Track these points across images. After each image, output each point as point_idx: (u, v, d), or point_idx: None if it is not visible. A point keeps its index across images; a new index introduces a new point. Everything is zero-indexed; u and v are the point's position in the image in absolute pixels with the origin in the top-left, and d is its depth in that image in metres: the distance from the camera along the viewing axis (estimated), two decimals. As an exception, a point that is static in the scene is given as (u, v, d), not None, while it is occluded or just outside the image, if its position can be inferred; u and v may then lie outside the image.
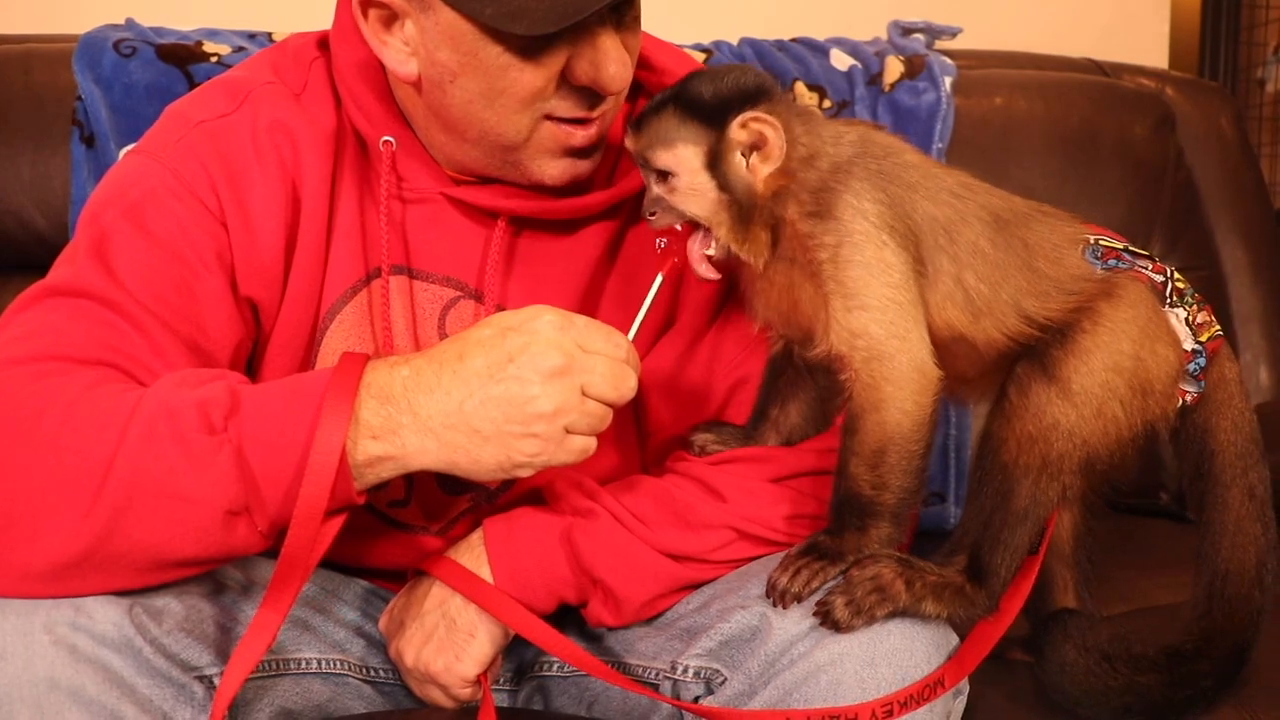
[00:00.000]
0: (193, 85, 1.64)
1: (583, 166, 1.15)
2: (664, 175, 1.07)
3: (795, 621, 1.04)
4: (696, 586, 1.14)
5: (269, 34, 1.79)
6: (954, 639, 1.08)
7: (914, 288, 1.06)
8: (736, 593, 1.10)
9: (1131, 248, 1.15)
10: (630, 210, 1.21)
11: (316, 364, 1.17)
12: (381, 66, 1.14)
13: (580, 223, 1.20)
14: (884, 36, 1.95)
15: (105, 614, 0.97)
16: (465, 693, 1.13)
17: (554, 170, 1.14)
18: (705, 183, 1.06)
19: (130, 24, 1.74)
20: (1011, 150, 1.88)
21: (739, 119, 1.05)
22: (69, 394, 0.99)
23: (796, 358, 1.17)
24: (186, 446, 0.96)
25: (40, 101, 1.74)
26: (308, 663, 1.16)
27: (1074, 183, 1.88)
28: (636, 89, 1.23)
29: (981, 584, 1.09)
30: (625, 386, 1.02)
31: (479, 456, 1.01)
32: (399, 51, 1.10)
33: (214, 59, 1.70)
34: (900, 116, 1.81)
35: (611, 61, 1.07)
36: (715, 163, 1.06)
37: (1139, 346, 1.10)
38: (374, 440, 0.99)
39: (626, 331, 1.06)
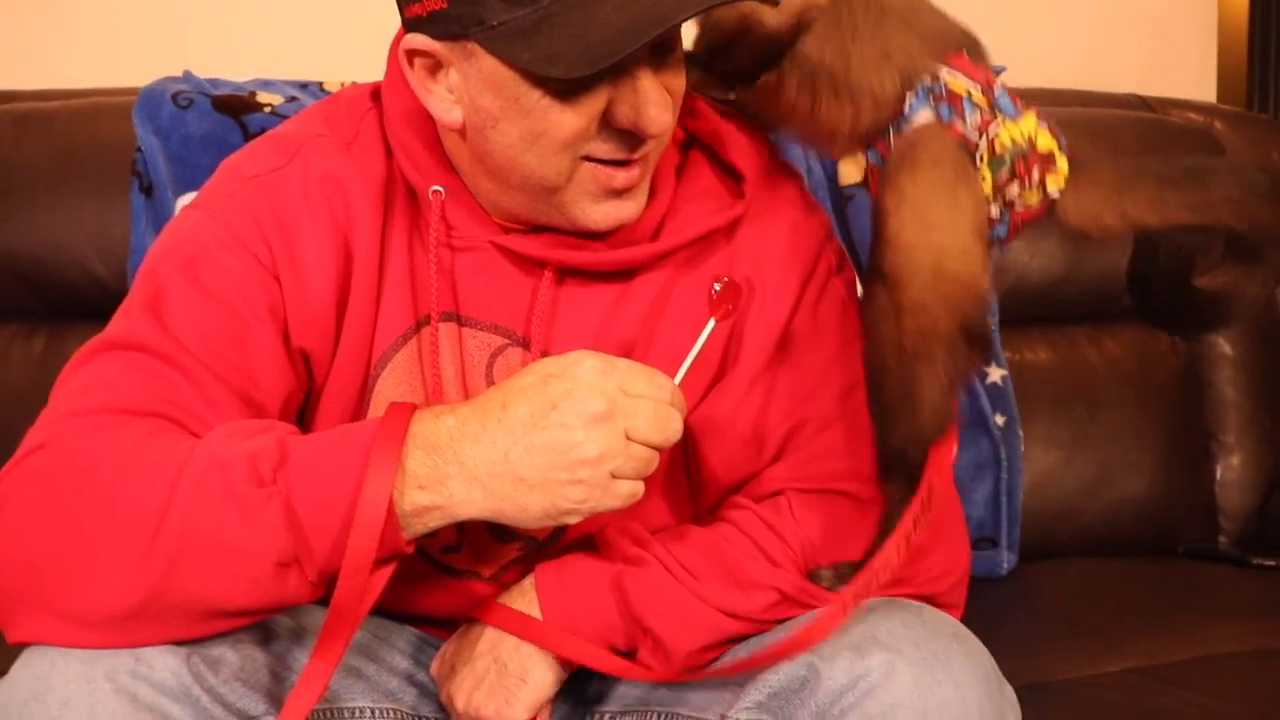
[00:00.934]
0: (247, 135, 1.68)
1: (627, 210, 1.15)
2: None
3: (844, 671, 1.03)
4: (745, 638, 1.14)
5: (320, 84, 1.82)
6: (1009, 690, 1.06)
7: None
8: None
9: (982, 91, 1.13)
10: (680, 263, 1.21)
11: (369, 412, 1.18)
12: (430, 116, 1.16)
13: (629, 273, 1.20)
14: (931, 74, 1.94)
15: (164, 663, 0.99)
16: (515, 738, 1.13)
17: (597, 214, 1.14)
18: None
19: (187, 76, 1.78)
20: (1059, 187, 1.86)
21: None
22: (123, 446, 1.01)
23: None
24: (236, 499, 0.98)
25: (104, 152, 1.79)
26: (360, 711, 1.17)
27: (1125, 219, 1.86)
28: (690, 141, 1.23)
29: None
30: (670, 429, 1.02)
31: (525, 504, 1.01)
32: (444, 99, 1.12)
33: (267, 109, 1.73)
34: (948, 153, 1.80)
35: (651, 104, 1.07)
36: None
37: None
38: (421, 490, 1.00)
39: (674, 376, 1.06)
